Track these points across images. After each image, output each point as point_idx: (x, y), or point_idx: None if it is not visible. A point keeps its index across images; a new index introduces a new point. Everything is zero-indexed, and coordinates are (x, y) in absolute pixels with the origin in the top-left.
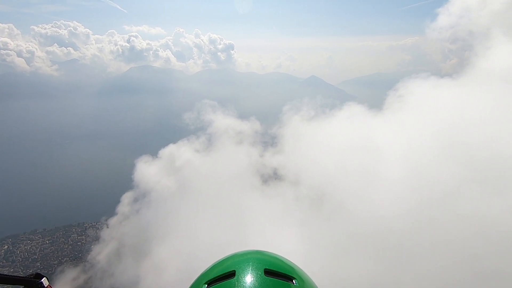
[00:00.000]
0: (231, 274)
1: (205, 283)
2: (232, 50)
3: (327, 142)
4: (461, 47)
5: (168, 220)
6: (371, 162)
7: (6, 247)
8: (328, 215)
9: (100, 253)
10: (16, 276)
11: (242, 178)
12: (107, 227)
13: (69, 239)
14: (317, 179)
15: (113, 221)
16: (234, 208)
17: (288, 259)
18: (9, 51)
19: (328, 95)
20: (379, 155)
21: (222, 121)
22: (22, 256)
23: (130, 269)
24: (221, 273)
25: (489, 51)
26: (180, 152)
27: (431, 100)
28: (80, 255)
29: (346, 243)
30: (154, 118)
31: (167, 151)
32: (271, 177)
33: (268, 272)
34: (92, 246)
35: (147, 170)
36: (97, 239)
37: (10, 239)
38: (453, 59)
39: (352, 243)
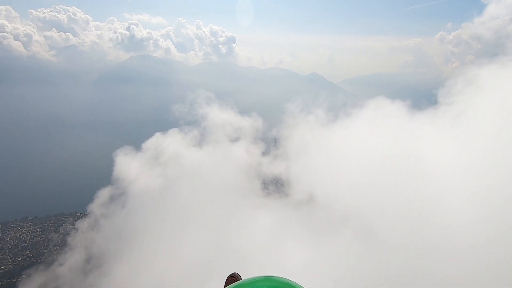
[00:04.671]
0: None
1: None
2: (234, 43)
3: (347, 149)
4: (463, 51)
5: (144, 229)
6: (413, 179)
7: None
8: (350, 240)
9: (64, 264)
10: None
11: (240, 181)
12: (76, 231)
13: (60, 228)
14: (334, 195)
15: (84, 223)
16: (229, 220)
17: (300, 283)
18: (6, 34)
19: (330, 93)
20: (426, 169)
21: (220, 115)
22: (12, 244)
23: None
24: None
25: None
26: (167, 144)
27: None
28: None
29: (371, 280)
30: (153, 110)
31: (152, 143)
32: (273, 184)
33: None
34: (56, 255)
35: (128, 164)
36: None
37: (0, 226)
38: (455, 63)
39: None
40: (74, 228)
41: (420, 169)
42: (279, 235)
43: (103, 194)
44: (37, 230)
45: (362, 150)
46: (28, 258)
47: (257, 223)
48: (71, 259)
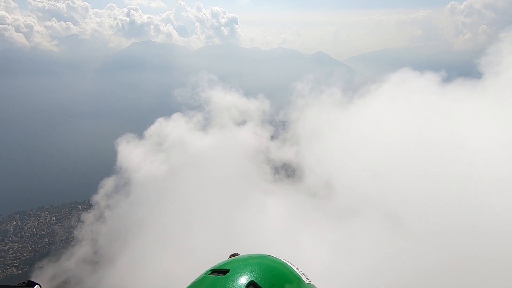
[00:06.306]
0: (225, 271)
1: (210, 270)
2: (236, 24)
3: (365, 131)
4: (476, 21)
5: (149, 219)
6: (445, 163)
7: (14, 223)
8: (374, 231)
9: (71, 259)
10: (8, 286)
11: (248, 166)
12: (82, 223)
13: (75, 216)
14: (353, 181)
15: (89, 215)
16: (237, 207)
17: (297, 268)
18: (7, 26)
19: (337, 72)
20: (463, 152)
21: (224, 98)
22: (31, 232)
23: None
24: (220, 267)
25: None
26: (171, 129)
27: None
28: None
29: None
30: (158, 96)
31: (156, 129)
32: (284, 169)
33: (253, 285)
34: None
35: (132, 152)
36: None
37: (19, 215)
38: (466, 34)
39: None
40: (80, 221)
41: (455, 151)
42: (291, 224)
43: (109, 183)
44: (53, 219)
45: (383, 132)
46: (47, 246)
47: (267, 211)
48: (79, 251)
